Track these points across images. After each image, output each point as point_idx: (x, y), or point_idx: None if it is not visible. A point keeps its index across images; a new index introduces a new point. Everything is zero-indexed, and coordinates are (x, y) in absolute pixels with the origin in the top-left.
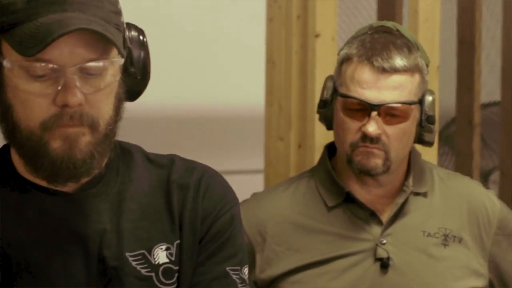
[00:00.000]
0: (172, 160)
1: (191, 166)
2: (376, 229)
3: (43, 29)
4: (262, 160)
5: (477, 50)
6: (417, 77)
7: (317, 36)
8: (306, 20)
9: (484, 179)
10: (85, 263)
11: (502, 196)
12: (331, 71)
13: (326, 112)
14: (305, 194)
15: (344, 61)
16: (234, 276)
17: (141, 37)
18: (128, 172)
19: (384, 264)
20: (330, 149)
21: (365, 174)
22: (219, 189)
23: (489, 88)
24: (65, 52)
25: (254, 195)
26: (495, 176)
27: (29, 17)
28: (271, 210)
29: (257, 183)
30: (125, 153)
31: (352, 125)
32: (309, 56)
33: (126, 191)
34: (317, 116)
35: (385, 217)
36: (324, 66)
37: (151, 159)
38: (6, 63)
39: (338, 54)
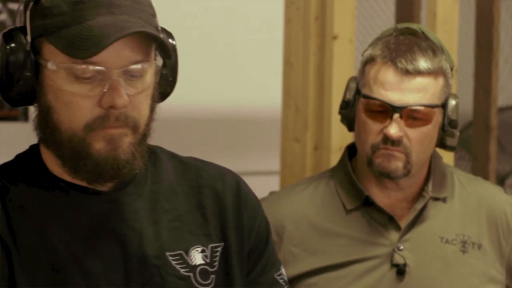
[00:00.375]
0: (196, 161)
1: (219, 169)
2: (393, 235)
3: (97, 32)
4: (278, 162)
5: (495, 54)
6: (441, 80)
7: (334, 38)
8: (324, 22)
9: (500, 183)
10: (124, 261)
11: None
12: (348, 73)
13: (348, 113)
14: (324, 195)
15: (368, 62)
16: (281, 281)
17: (171, 40)
18: (156, 172)
19: (400, 271)
20: (351, 150)
21: (385, 176)
22: (254, 197)
23: (508, 92)
24: (112, 55)
25: (272, 193)
26: (511, 180)
27: (77, 20)
28: (289, 209)
29: (272, 185)
30: (151, 153)
31: (373, 126)
32: (326, 57)
33: (158, 191)
34: (334, 118)
35: (403, 222)
36: (341, 68)
37: (176, 158)
38: (50, 65)
39: (362, 55)
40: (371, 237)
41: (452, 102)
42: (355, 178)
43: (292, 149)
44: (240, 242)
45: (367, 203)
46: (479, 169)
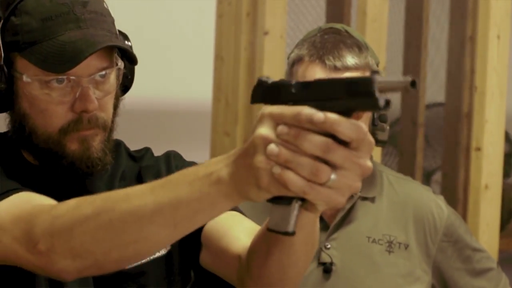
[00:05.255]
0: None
1: (152, 156)
2: (321, 233)
3: (70, 48)
4: (208, 155)
5: (423, 51)
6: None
7: (266, 33)
8: (255, 18)
9: (427, 179)
10: None
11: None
12: (279, 68)
13: None
14: None
15: (295, 62)
16: None
17: (126, 41)
18: (116, 160)
19: (326, 269)
20: None
21: None
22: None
23: (435, 88)
24: (82, 65)
25: None
26: (437, 176)
27: (48, 36)
28: None
29: None
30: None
31: None
32: (257, 53)
33: (115, 175)
34: None
35: (332, 221)
36: (272, 64)
37: (128, 150)
38: (26, 78)
39: (288, 57)
40: None
41: None
42: None
43: (221, 142)
44: None
45: None
46: (406, 165)
